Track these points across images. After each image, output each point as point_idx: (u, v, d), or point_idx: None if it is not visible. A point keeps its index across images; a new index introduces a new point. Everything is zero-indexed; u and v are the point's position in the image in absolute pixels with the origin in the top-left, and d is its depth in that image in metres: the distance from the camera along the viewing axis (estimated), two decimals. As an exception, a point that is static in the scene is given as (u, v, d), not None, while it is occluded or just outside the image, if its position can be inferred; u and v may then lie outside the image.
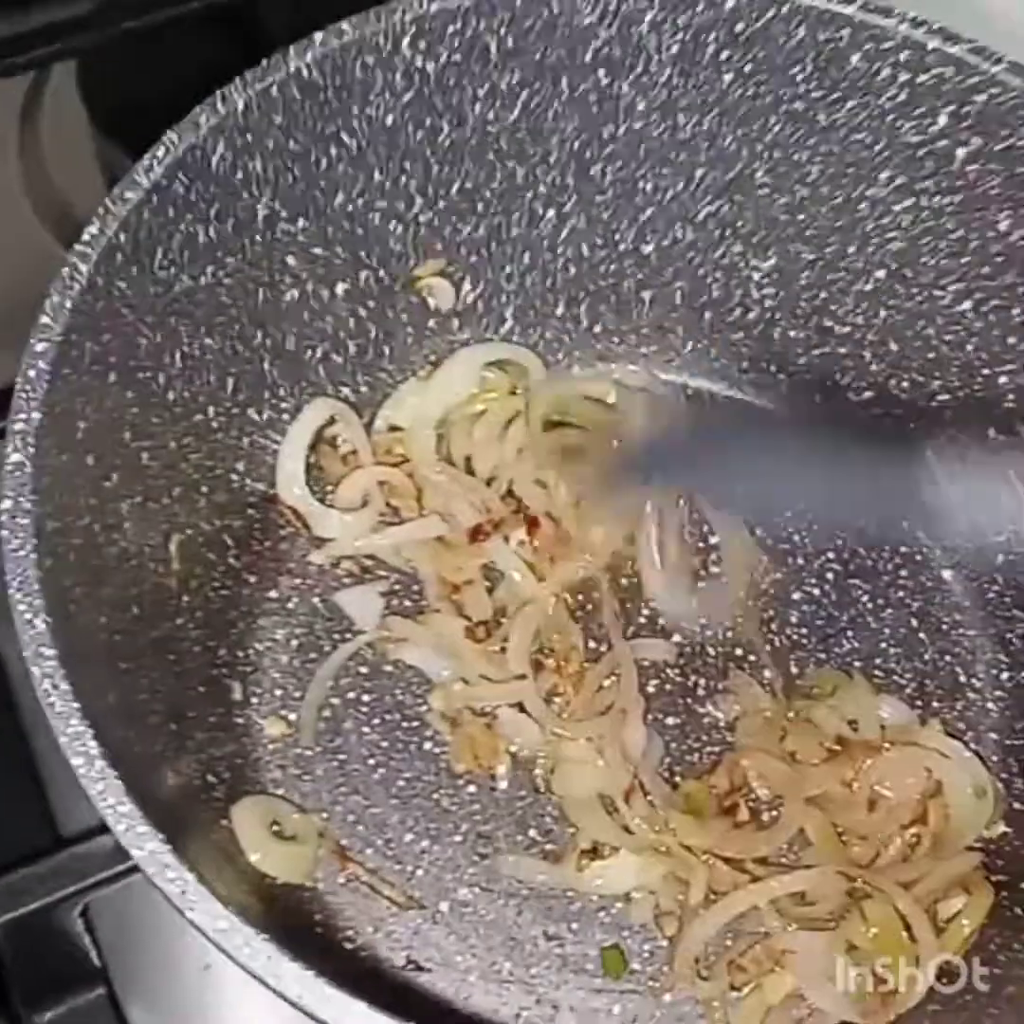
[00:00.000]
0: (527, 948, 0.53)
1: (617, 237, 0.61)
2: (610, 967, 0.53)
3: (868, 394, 0.61)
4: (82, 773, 0.39)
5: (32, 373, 0.44)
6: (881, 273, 0.58)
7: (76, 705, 0.39)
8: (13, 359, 0.65)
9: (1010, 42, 0.52)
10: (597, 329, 0.64)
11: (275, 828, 0.53)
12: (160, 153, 0.48)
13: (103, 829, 0.51)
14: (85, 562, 0.46)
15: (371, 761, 0.56)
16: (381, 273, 0.59)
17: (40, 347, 0.45)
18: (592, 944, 0.53)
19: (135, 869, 0.50)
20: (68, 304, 0.45)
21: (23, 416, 0.43)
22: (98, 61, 0.77)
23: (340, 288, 0.58)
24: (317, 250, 0.56)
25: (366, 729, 0.57)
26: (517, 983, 0.52)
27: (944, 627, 0.59)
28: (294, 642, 0.58)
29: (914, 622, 0.59)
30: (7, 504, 0.42)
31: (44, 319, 0.45)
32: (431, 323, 0.62)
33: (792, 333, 0.62)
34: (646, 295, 0.63)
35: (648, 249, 0.61)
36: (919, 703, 0.57)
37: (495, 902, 0.54)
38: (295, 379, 0.59)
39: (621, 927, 0.53)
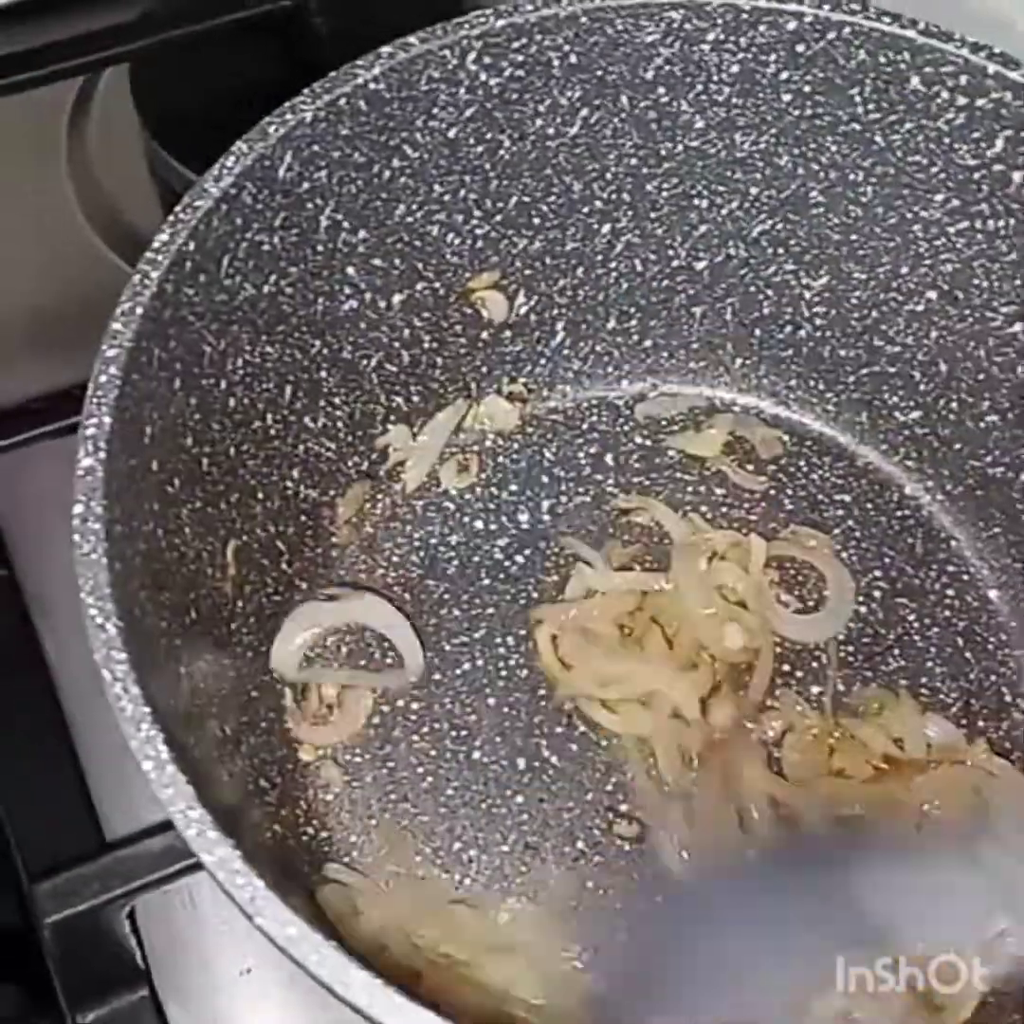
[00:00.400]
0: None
1: (670, 253, 0.61)
2: None
3: (916, 414, 0.62)
4: (153, 778, 0.39)
5: (103, 378, 0.45)
6: (933, 294, 0.58)
7: (146, 710, 0.40)
8: (64, 361, 0.67)
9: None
10: (647, 343, 0.65)
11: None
12: (229, 162, 0.49)
13: (149, 833, 0.53)
14: (148, 567, 0.46)
15: (420, 769, 0.56)
16: (437, 284, 0.59)
17: (111, 352, 0.45)
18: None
19: (182, 873, 0.53)
20: (139, 310, 0.46)
21: (95, 421, 0.44)
22: (150, 67, 0.78)
23: (396, 299, 0.58)
24: (376, 261, 0.56)
25: (415, 737, 0.57)
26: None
27: (990, 647, 0.59)
28: (343, 649, 0.59)
29: (960, 641, 0.59)
30: (78, 508, 0.42)
31: (115, 325, 0.46)
32: (484, 335, 0.62)
33: (842, 352, 0.62)
34: (697, 311, 0.63)
35: (701, 265, 0.62)
36: (965, 722, 0.58)
37: (542, 914, 0.54)
38: (349, 387, 0.59)
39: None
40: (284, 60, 0.78)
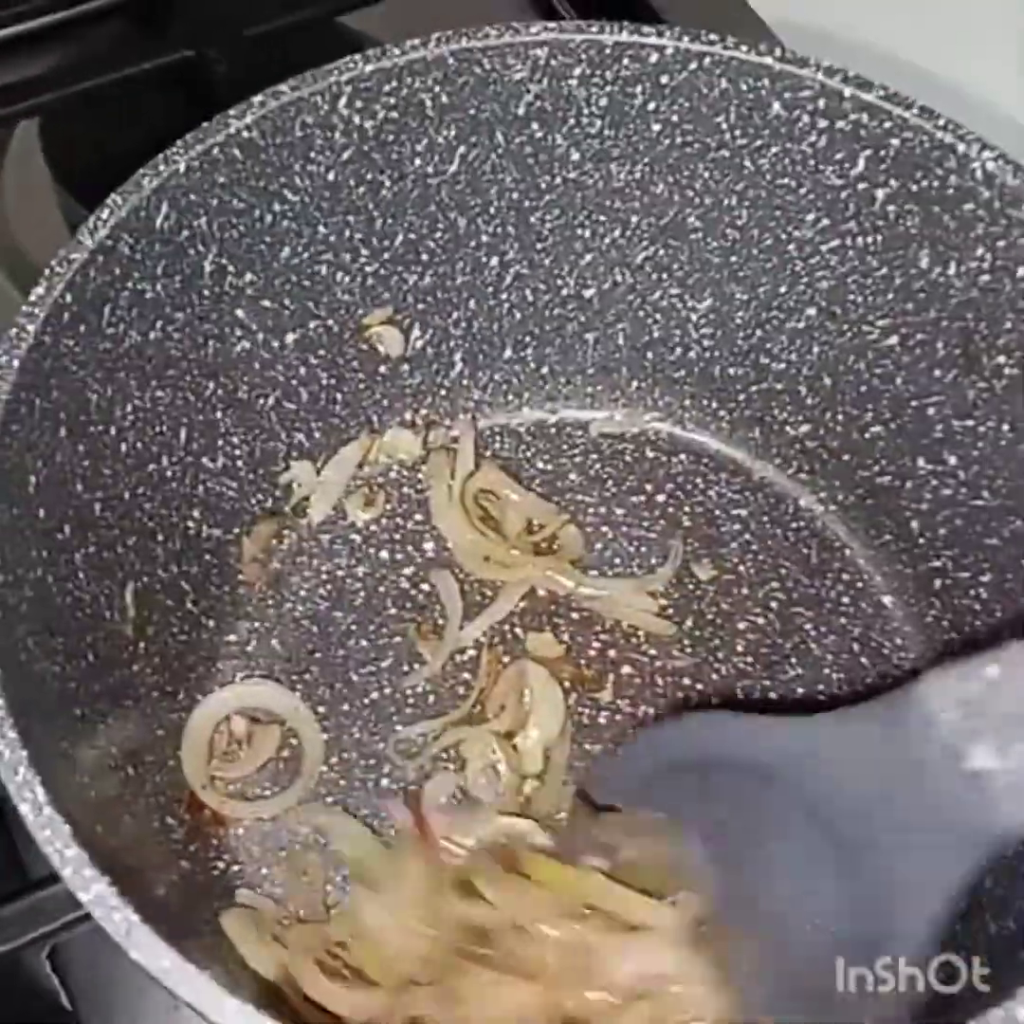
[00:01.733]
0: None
1: (559, 282, 0.63)
2: None
3: (805, 428, 0.63)
4: (30, 819, 0.40)
5: (-20, 430, 0.46)
6: (812, 311, 0.60)
7: (24, 753, 0.41)
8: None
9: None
10: (544, 371, 0.66)
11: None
12: (104, 215, 0.50)
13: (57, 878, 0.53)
14: (37, 612, 0.47)
15: (329, 799, 0.57)
16: (330, 322, 0.60)
17: (-11, 405, 0.46)
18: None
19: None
20: (15, 363, 0.47)
21: (-27, 473, 0.45)
22: (59, 119, 0.79)
23: (290, 338, 0.60)
24: (265, 302, 0.58)
25: (324, 768, 0.58)
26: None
27: (885, 652, 0.60)
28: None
29: (856, 647, 0.61)
30: (-43, 559, 0.43)
31: (-9, 378, 0.47)
32: (382, 369, 0.64)
33: (731, 370, 0.63)
34: (590, 337, 0.65)
35: (589, 293, 0.63)
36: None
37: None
38: (248, 427, 0.60)
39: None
40: (190, 109, 0.79)
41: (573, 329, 0.64)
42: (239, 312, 0.57)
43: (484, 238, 0.61)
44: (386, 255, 0.60)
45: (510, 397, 0.66)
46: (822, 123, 0.54)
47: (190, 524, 0.59)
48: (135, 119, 0.79)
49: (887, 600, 0.62)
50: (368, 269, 0.60)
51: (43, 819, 0.40)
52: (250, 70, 0.77)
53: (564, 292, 0.63)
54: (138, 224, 0.51)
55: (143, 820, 0.52)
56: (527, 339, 0.65)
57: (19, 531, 0.47)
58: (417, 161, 0.57)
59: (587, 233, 0.61)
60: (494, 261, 0.62)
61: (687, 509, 0.64)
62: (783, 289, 0.60)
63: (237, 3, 0.79)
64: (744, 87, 0.55)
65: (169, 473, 0.57)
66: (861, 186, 0.55)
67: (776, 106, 0.55)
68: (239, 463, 0.61)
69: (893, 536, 0.61)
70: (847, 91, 0.53)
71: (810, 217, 0.57)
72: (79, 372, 0.50)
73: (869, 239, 0.56)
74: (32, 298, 0.48)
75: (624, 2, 0.76)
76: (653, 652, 0.60)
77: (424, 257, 0.61)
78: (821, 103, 0.54)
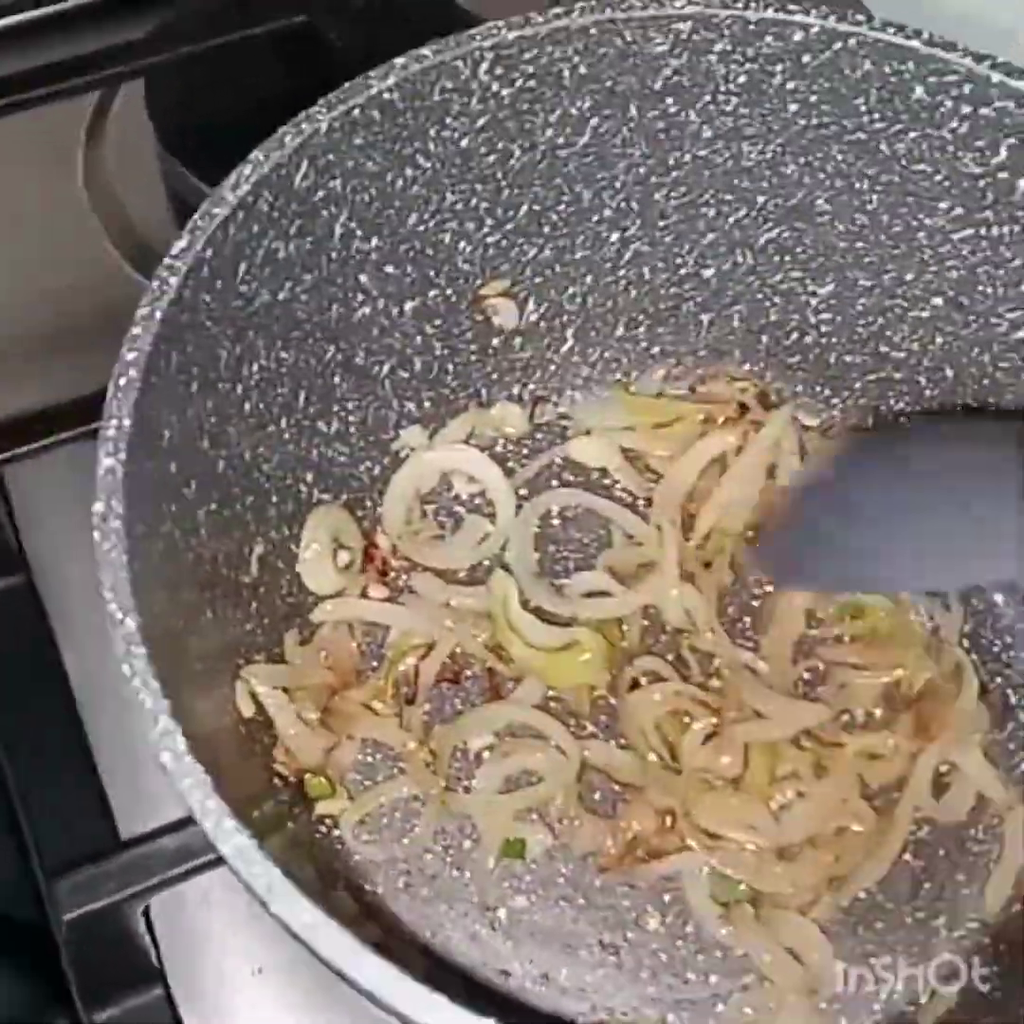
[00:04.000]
0: (583, 955, 0.54)
1: (678, 261, 0.62)
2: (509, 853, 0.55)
3: (921, 420, 0.62)
4: (171, 769, 0.40)
5: (123, 380, 0.45)
6: (938, 301, 0.59)
7: (166, 703, 0.41)
8: (78, 369, 0.68)
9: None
10: (655, 350, 0.65)
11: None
12: (247, 170, 0.50)
13: (163, 832, 0.54)
14: (166, 567, 0.47)
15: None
16: (448, 291, 0.60)
17: (130, 356, 0.46)
18: (648, 953, 0.54)
19: (197, 870, 0.53)
20: (158, 315, 0.47)
21: (114, 423, 0.45)
22: (164, 81, 0.79)
23: (409, 306, 0.59)
24: (389, 268, 0.57)
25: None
26: (574, 990, 0.53)
27: (995, 650, 0.60)
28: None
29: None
30: (99, 507, 0.43)
31: (135, 329, 0.46)
32: (494, 342, 0.63)
33: (848, 358, 0.63)
34: (705, 318, 0.64)
35: (708, 273, 0.62)
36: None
37: (550, 910, 0.55)
38: (363, 393, 0.60)
39: (676, 937, 0.54)
40: (296, 74, 0.79)
41: (688, 309, 0.64)
42: (363, 277, 0.57)
43: (607, 213, 0.60)
44: (509, 226, 0.59)
45: (619, 375, 0.66)
46: (965, 109, 0.54)
47: (302, 487, 0.59)
48: (240, 83, 0.79)
49: (998, 598, 0.61)
50: (489, 239, 0.60)
51: (184, 768, 0.40)
52: (360, 39, 0.78)
53: (682, 271, 0.63)
54: (278, 182, 0.51)
55: (255, 780, 0.52)
56: (641, 317, 0.64)
57: (153, 484, 0.47)
58: (549, 131, 0.57)
59: (711, 212, 0.60)
60: (615, 237, 0.61)
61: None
62: (910, 277, 0.59)
63: (349, -31, 0.79)
64: (887, 70, 0.54)
65: (286, 435, 0.57)
66: (1001, 175, 0.54)
67: (919, 90, 0.54)
68: (352, 429, 0.60)
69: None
70: (995, 77, 0.52)
71: (944, 205, 0.56)
72: (213, 328, 0.50)
73: (1005, 229, 0.55)
74: (174, 251, 0.48)
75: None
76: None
77: (545, 229, 0.60)
78: (966, 89, 0.53)
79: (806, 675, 0.58)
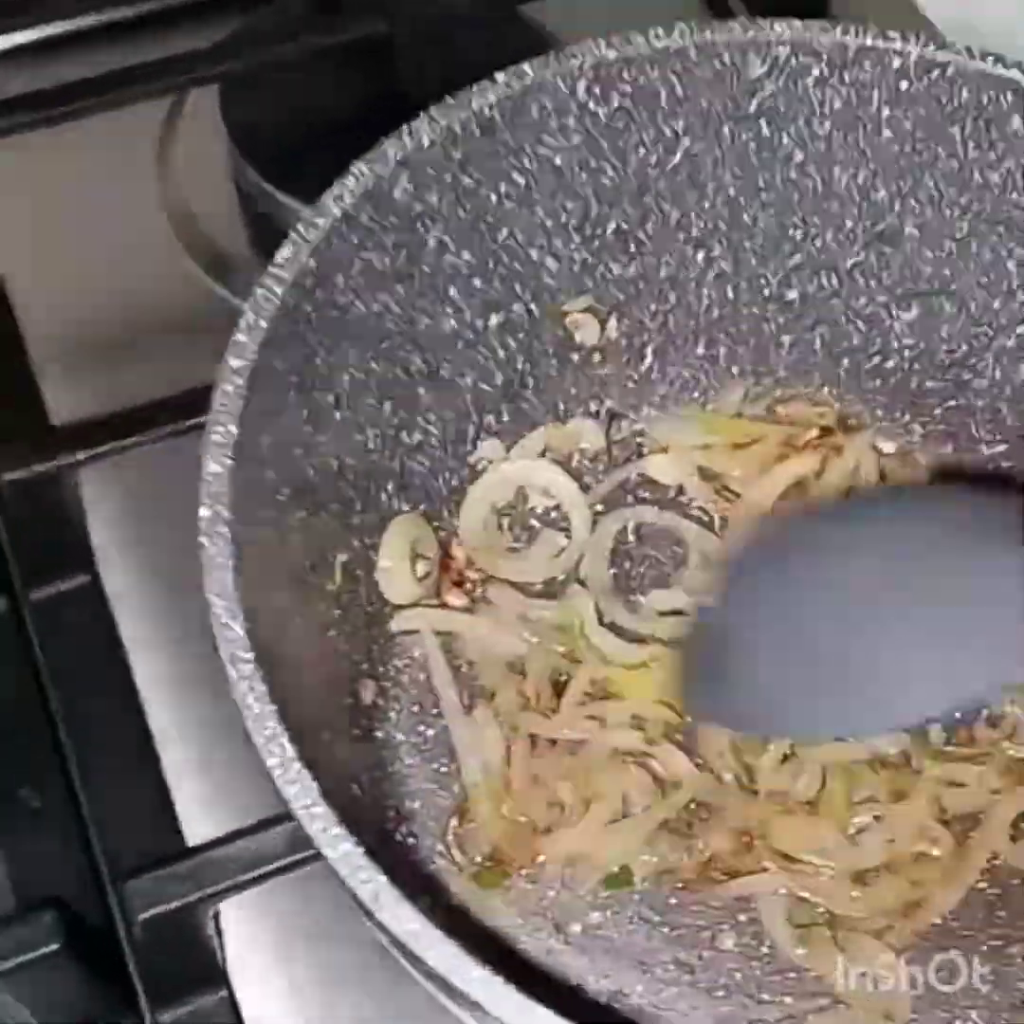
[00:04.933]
0: (657, 973, 0.54)
1: (762, 282, 0.62)
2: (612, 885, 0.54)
3: (1001, 447, 0.62)
4: (278, 774, 0.40)
5: (229, 388, 0.46)
6: (1023, 329, 0.59)
7: (272, 708, 0.41)
8: (150, 371, 0.69)
9: None
10: (734, 370, 0.66)
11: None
12: (350, 183, 0.50)
13: (235, 836, 0.54)
14: (261, 573, 0.48)
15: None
16: (533, 306, 0.60)
17: (236, 364, 0.46)
18: (722, 972, 0.54)
19: (268, 876, 0.53)
20: (263, 324, 0.47)
21: (220, 429, 0.45)
22: (239, 86, 0.79)
23: (494, 320, 0.60)
24: (477, 282, 0.58)
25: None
26: (648, 1009, 0.53)
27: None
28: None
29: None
30: (205, 512, 0.44)
31: (240, 337, 0.47)
32: (574, 357, 0.64)
33: (929, 383, 0.63)
34: (786, 339, 0.64)
35: (792, 295, 0.63)
36: None
37: (625, 926, 0.55)
38: (445, 406, 0.60)
39: (750, 957, 0.54)
40: (370, 84, 0.79)
41: (769, 330, 0.64)
42: (452, 290, 0.57)
43: (694, 232, 0.60)
44: (596, 242, 0.60)
45: (696, 394, 0.66)
46: (1061, 140, 0.54)
47: (384, 497, 0.59)
48: (316, 91, 0.80)
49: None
50: (576, 256, 0.60)
51: (292, 774, 0.40)
52: (435, 53, 0.78)
53: (766, 292, 0.63)
54: (379, 194, 0.51)
55: (336, 788, 0.52)
56: (721, 337, 0.65)
57: (253, 489, 0.47)
58: (641, 151, 0.57)
59: (798, 234, 0.60)
60: (700, 256, 0.61)
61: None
62: (996, 305, 0.59)
63: (425, -16, 0.79)
64: (985, 100, 0.54)
65: (371, 445, 0.57)
66: (1095, 208, 0.55)
67: (1016, 121, 0.54)
68: (433, 441, 0.61)
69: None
70: (1094, 110, 0.53)
71: (1035, 235, 0.57)
72: (311, 338, 0.51)
73: (1095, 262, 0.56)
74: (279, 260, 0.49)
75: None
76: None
77: (631, 248, 0.60)
78: (1063, 120, 0.53)
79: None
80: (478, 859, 0.54)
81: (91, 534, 0.66)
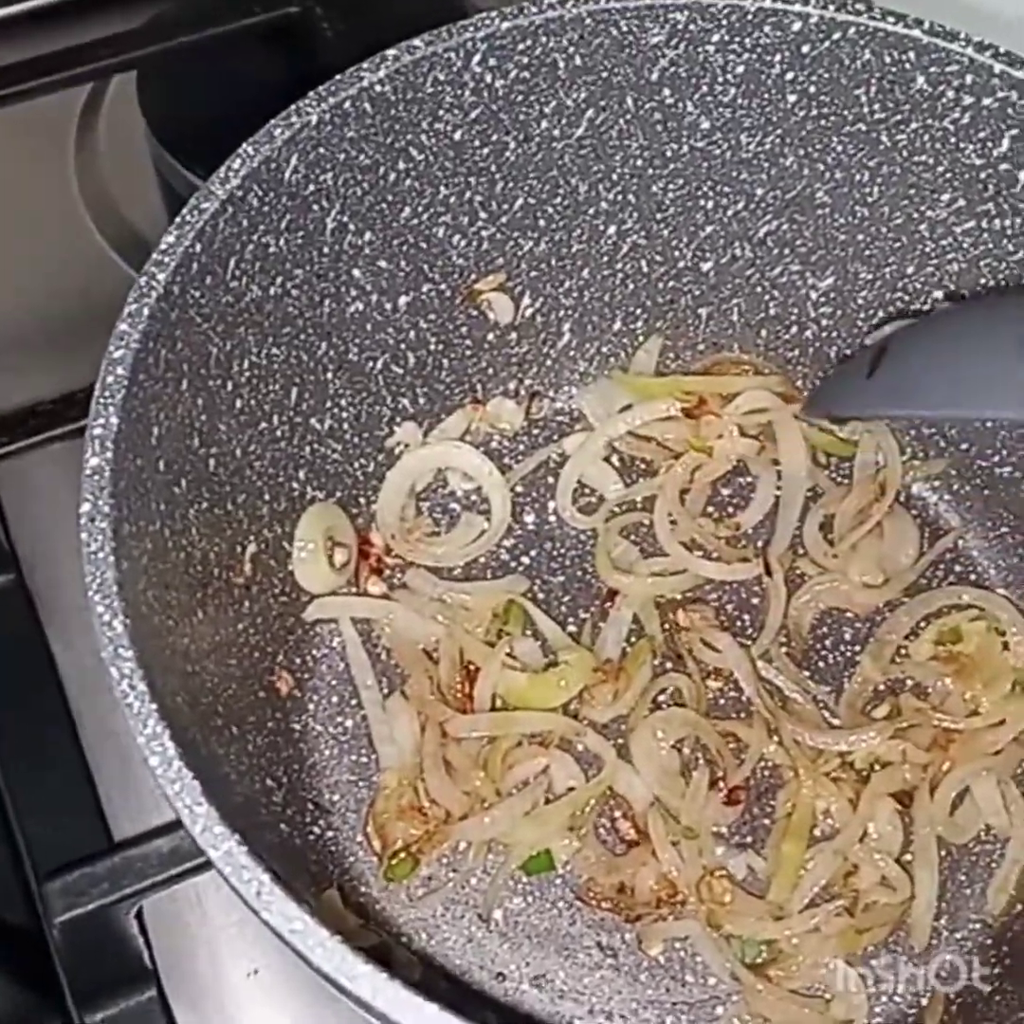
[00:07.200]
0: (580, 958, 0.53)
1: (676, 254, 0.61)
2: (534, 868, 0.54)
3: (925, 414, 0.61)
4: (160, 773, 0.39)
5: (110, 379, 0.45)
6: (939, 293, 0.58)
7: (153, 706, 0.40)
8: (69, 365, 0.68)
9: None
10: (652, 344, 0.64)
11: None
12: (236, 165, 0.49)
13: (156, 834, 0.53)
14: (155, 566, 0.47)
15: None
16: (443, 286, 0.59)
17: (118, 354, 0.45)
18: (645, 955, 0.53)
19: (190, 873, 0.53)
20: (145, 312, 0.46)
21: (102, 421, 0.44)
22: (157, 73, 0.78)
23: (402, 300, 0.58)
24: (382, 263, 0.57)
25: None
26: (571, 993, 0.53)
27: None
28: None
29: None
30: (86, 507, 0.43)
31: (122, 326, 0.46)
32: (490, 337, 0.63)
33: (849, 351, 0.62)
34: (703, 311, 0.63)
35: (706, 266, 0.62)
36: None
37: (548, 911, 0.54)
38: (356, 389, 0.59)
39: (674, 940, 0.54)
40: (290, 65, 0.78)
41: (686, 303, 0.63)
42: (356, 272, 0.56)
43: (603, 206, 0.59)
44: (503, 219, 0.59)
45: (616, 371, 0.65)
46: (967, 100, 0.53)
47: (295, 485, 0.58)
48: (234, 75, 0.78)
49: (1001, 593, 0.60)
50: (484, 233, 0.59)
51: (173, 773, 0.39)
52: (352, 28, 0.77)
53: (680, 264, 0.62)
54: (268, 175, 0.50)
55: (246, 780, 0.52)
56: (638, 311, 0.64)
57: (142, 483, 0.46)
58: (544, 123, 0.56)
59: (709, 204, 0.59)
60: (612, 230, 0.60)
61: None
62: (910, 270, 0.58)
63: (343, -40, 0.78)
64: (888, 59, 0.53)
65: (278, 432, 0.56)
66: (1003, 167, 0.53)
67: (920, 80, 0.53)
68: (345, 426, 0.60)
69: (1010, 529, 0.60)
70: (997, 67, 0.52)
71: (946, 197, 0.56)
72: (202, 325, 0.49)
73: (1007, 222, 0.55)
74: (163, 246, 0.47)
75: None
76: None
77: (541, 223, 0.59)
78: (968, 79, 0.52)
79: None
80: (393, 850, 0.54)
81: (12, 532, 0.64)
